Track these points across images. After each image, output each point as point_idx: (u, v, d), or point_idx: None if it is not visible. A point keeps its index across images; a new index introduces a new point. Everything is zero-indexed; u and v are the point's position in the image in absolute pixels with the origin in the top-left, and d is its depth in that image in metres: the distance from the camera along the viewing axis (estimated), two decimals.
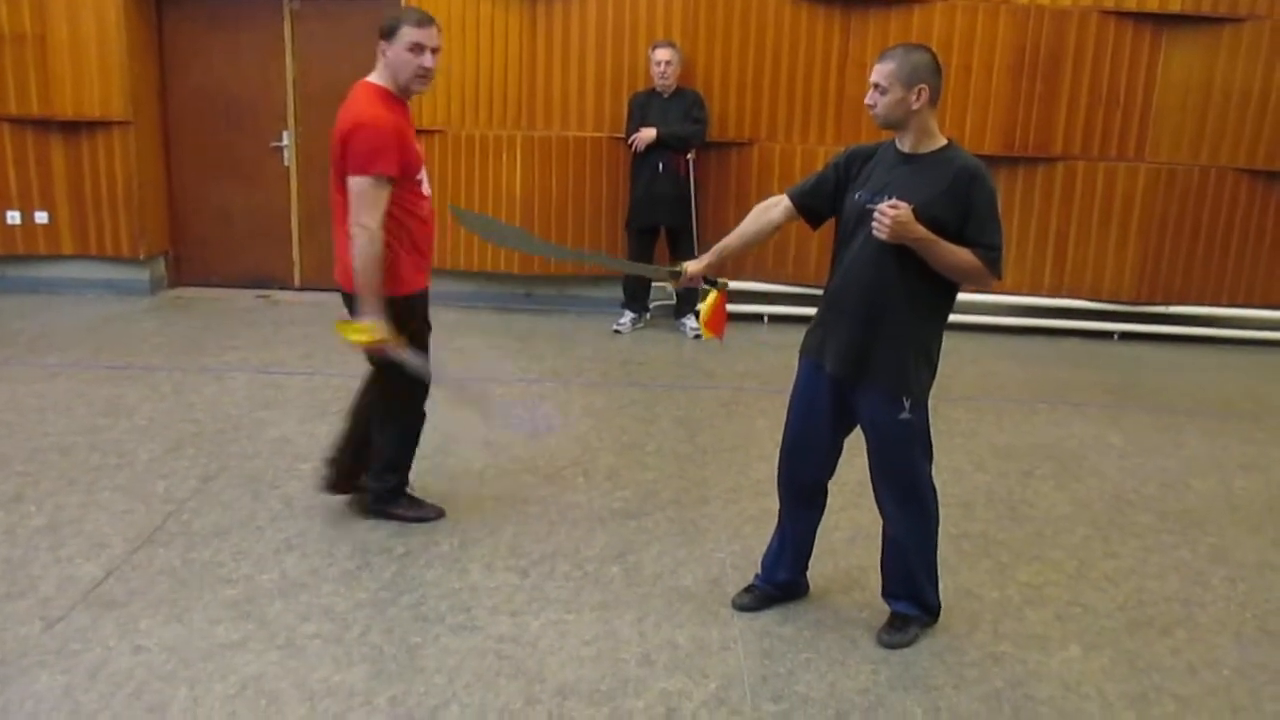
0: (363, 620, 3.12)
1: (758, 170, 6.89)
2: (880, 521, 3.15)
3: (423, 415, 3.70)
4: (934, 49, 2.94)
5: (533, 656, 2.97)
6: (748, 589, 3.33)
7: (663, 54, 6.31)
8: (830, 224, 3.13)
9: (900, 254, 2.81)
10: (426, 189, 3.48)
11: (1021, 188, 6.91)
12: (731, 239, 3.18)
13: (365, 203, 3.21)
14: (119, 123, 6.76)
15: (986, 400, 5.53)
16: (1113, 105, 6.78)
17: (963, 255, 2.79)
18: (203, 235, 7.41)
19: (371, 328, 3.26)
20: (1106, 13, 6.63)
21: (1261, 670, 3.09)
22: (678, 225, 6.52)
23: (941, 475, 3.10)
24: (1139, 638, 3.24)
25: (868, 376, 2.93)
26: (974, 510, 4.13)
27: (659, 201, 6.43)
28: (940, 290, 2.90)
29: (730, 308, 3.01)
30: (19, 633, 2.96)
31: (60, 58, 6.63)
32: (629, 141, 6.42)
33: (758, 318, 7.03)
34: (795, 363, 3.14)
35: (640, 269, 4.72)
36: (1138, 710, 2.86)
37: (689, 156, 6.45)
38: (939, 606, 3.19)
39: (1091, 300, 7.14)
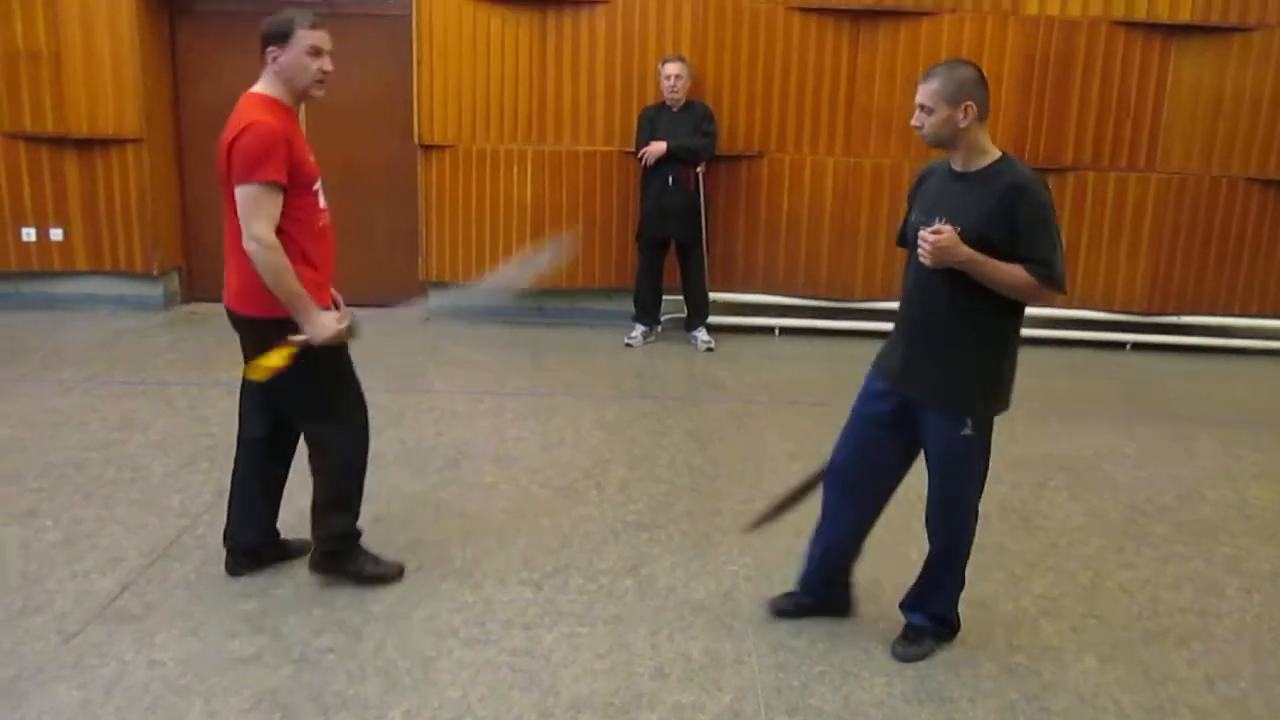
0: (377, 634, 3.13)
1: (767, 182, 6.89)
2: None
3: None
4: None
5: (546, 670, 2.97)
6: (787, 594, 3.32)
7: (672, 68, 6.33)
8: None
9: (951, 274, 2.75)
10: (323, 201, 3.28)
11: None
12: None
13: (255, 212, 2.98)
14: (132, 139, 6.81)
15: None
16: (1123, 115, 6.78)
17: (1015, 273, 2.71)
18: (216, 250, 7.32)
19: (293, 346, 3.07)
20: (1116, 23, 6.64)
21: (1278, 682, 3.07)
22: (688, 238, 6.52)
23: None
24: (1155, 649, 3.23)
25: (929, 396, 2.90)
26: (988, 521, 4.09)
27: (669, 214, 6.44)
28: (1000, 309, 2.81)
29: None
30: (36, 647, 2.98)
31: (75, 75, 6.69)
32: (639, 155, 6.43)
33: (769, 330, 7.03)
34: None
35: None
36: None
37: (699, 169, 6.45)
38: (958, 624, 3.19)
39: (1103, 310, 7.12)
